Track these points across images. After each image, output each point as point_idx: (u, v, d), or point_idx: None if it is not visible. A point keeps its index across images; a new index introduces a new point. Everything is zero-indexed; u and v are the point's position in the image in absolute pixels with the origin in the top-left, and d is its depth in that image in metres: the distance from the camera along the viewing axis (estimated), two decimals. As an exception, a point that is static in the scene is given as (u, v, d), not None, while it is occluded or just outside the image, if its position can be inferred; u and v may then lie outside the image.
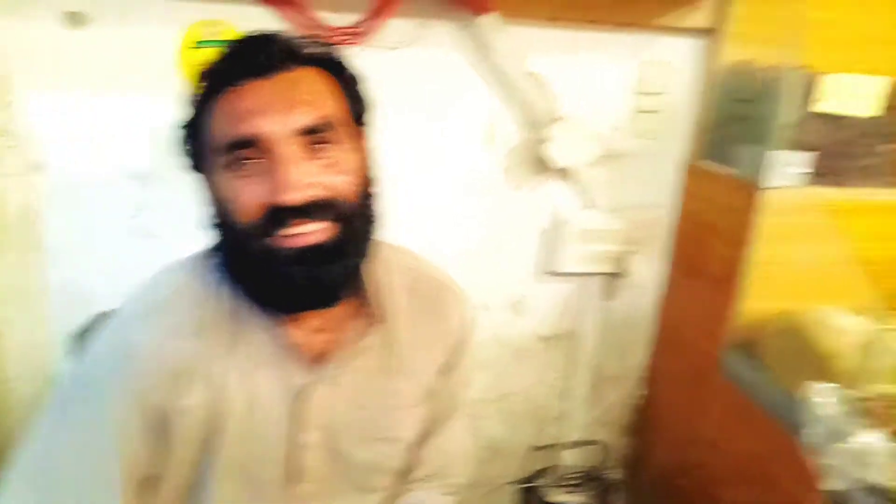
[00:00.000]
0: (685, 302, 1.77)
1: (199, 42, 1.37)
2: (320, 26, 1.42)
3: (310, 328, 0.93)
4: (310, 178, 0.80)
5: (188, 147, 0.88)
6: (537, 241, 1.75)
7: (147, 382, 0.86)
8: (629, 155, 1.70)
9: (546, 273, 1.78)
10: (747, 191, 1.45)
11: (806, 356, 1.28)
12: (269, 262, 0.82)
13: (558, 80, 1.59)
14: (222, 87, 0.82)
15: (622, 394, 1.96)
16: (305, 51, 0.86)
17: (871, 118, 1.40)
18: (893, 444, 1.02)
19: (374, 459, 1.00)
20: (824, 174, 1.43)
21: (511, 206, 1.70)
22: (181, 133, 0.88)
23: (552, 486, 1.95)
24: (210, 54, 0.85)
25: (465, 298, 1.09)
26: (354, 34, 1.44)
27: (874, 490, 1.03)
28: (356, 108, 0.90)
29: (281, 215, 0.80)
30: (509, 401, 1.91)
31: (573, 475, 1.98)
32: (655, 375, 1.92)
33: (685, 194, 1.74)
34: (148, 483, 0.89)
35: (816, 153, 1.41)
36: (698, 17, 1.57)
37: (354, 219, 0.86)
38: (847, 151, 1.42)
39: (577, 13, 1.55)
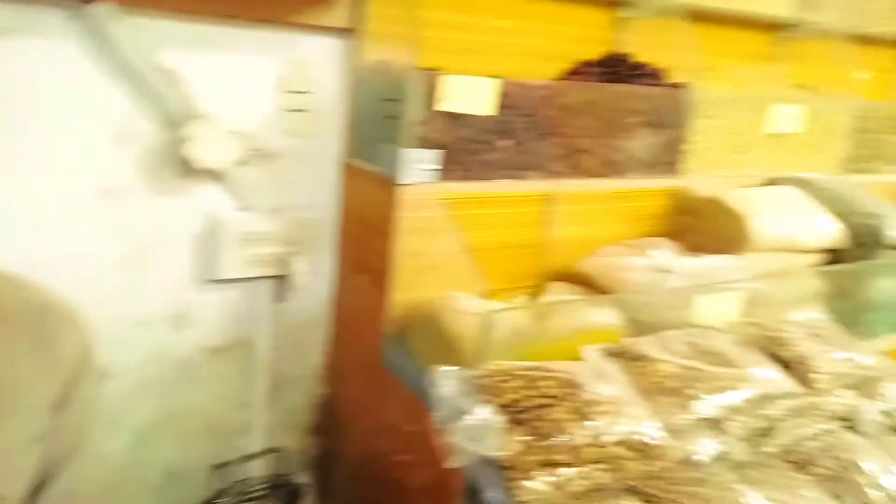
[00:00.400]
0: (353, 298, 1.80)
1: None
2: None
3: None
4: None
5: None
6: (192, 247, 1.65)
7: None
8: (282, 154, 1.67)
9: (207, 281, 1.69)
10: (388, 187, 1.50)
11: (440, 341, 1.36)
12: None
13: (196, 76, 1.51)
14: None
15: (304, 395, 1.93)
16: None
17: (488, 117, 1.52)
18: (501, 417, 1.12)
19: None
20: (453, 170, 1.52)
21: (157, 211, 1.58)
22: None
23: (237, 503, 1.87)
24: None
25: (79, 319, 0.97)
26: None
27: (489, 463, 1.11)
28: None
29: None
30: (183, 421, 1.78)
31: (260, 487, 1.91)
32: (334, 373, 1.93)
33: (343, 193, 1.77)
34: None
35: (445, 150, 1.50)
36: (335, 17, 1.59)
37: None
38: (471, 148, 1.53)
39: (209, 7, 1.48)
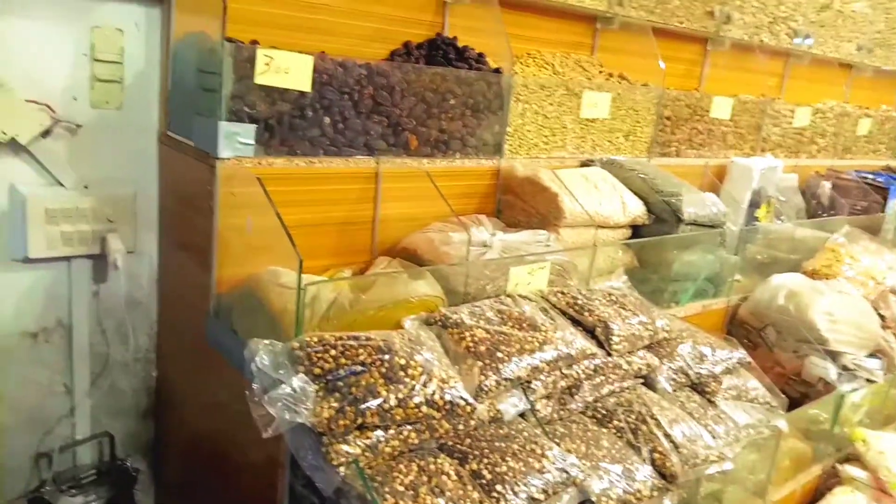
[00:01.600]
0: (178, 276, 1.75)
1: None
2: None
3: None
4: None
5: None
6: (-6, 225, 1.55)
7: None
8: (93, 126, 1.60)
9: (14, 261, 1.59)
10: (207, 162, 1.47)
11: (261, 315, 1.36)
12: None
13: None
14: None
15: (133, 379, 1.86)
16: None
17: (308, 93, 1.53)
18: (315, 386, 1.15)
19: None
20: (275, 145, 1.52)
21: (-49, 186, 1.47)
22: None
23: (62, 491, 1.77)
24: None
25: None
26: None
27: (306, 430, 1.14)
28: None
29: None
30: (-6, 410, 1.68)
31: (88, 473, 1.83)
32: (165, 354, 1.87)
33: (162, 167, 1.71)
34: None
35: (267, 124, 1.50)
36: (145, -16, 1.54)
37: None
38: (292, 123, 1.53)
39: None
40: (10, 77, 1.44)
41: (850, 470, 2.08)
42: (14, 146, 1.49)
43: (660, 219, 2.13)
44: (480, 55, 1.97)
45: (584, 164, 2.22)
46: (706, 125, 2.68)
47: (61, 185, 1.58)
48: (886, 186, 3.13)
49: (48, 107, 1.51)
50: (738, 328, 2.32)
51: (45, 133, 1.51)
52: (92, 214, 1.62)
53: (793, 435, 1.94)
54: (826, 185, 3.03)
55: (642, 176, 2.17)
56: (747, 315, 2.31)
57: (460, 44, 1.95)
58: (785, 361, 2.19)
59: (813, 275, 2.43)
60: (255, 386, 1.17)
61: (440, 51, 1.90)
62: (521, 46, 2.23)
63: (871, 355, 2.27)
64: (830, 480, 2.12)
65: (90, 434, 1.79)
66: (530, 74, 2.14)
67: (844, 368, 2.15)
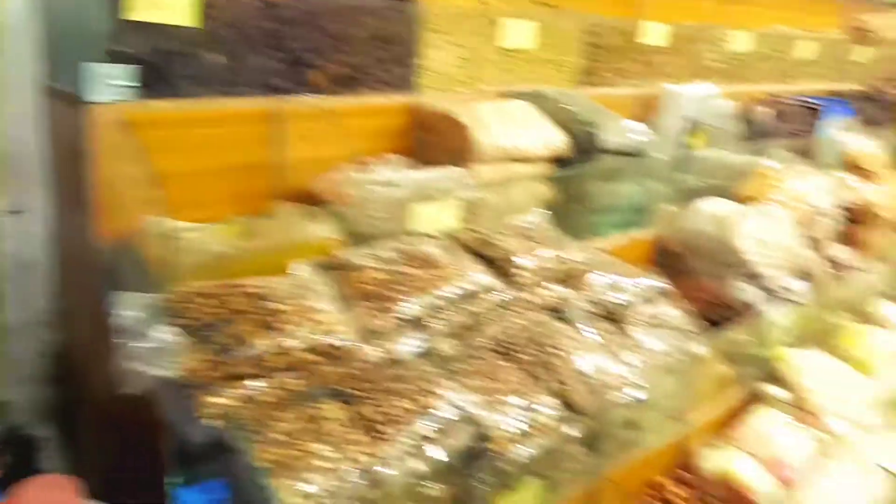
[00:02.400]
0: (70, 234, 1.68)
1: None
2: None
3: None
4: None
5: None
6: None
7: None
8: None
9: None
10: (82, 109, 1.39)
11: (142, 268, 1.31)
12: None
13: None
14: None
15: (31, 344, 1.80)
16: None
17: (194, 29, 1.44)
18: (185, 338, 1.11)
19: None
20: (155, 86, 1.44)
21: None
22: None
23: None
24: None
25: None
26: None
27: (173, 384, 1.10)
28: None
29: None
30: None
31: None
32: (64, 317, 1.81)
33: (43, 119, 1.62)
34: None
35: (144, 65, 1.41)
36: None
37: None
38: (176, 62, 1.45)
39: None
40: None
41: (769, 389, 2.10)
42: None
43: (583, 150, 2.07)
44: (394, -17, 1.88)
45: (507, 97, 2.15)
46: (641, 54, 2.61)
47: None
48: (820, 108, 3.10)
49: None
50: (664, 257, 2.30)
51: None
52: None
53: (716, 360, 1.95)
54: (763, 111, 2.99)
55: (566, 107, 2.11)
56: (673, 243, 2.29)
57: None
58: (710, 288, 2.18)
59: (743, 200, 2.41)
60: (121, 341, 1.12)
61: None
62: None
63: (801, 279, 2.27)
64: (753, 402, 2.14)
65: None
66: (442, 2, 2.05)
67: (770, 292, 2.14)
